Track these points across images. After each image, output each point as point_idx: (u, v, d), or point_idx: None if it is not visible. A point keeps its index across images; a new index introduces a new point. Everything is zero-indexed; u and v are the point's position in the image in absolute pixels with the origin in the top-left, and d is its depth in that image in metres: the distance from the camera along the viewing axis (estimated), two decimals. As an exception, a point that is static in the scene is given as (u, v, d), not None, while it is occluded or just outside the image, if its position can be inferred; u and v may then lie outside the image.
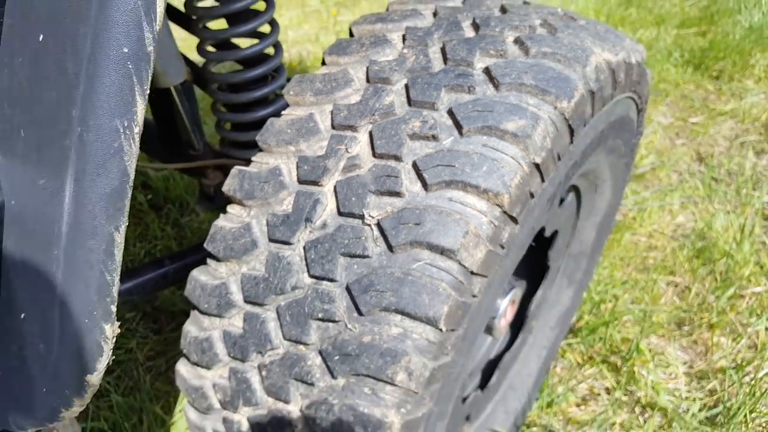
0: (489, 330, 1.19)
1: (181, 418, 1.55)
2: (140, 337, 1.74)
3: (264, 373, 0.79)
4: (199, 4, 1.13)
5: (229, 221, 0.84)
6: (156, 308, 1.83)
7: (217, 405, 0.86)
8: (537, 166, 0.76)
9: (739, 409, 1.50)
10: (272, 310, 0.79)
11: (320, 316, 0.74)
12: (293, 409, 0.78)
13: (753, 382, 1.58)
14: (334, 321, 0.74)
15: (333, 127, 0.82)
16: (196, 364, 0.88)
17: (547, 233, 1.19)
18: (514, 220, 0.75)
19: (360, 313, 0.73)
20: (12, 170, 0.46)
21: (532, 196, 0.78)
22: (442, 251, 0.71)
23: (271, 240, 0.79)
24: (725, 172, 2.52)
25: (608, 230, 1.46)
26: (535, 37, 0.86)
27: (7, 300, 0.50)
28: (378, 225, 0.74)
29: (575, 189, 1.23)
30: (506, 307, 1.18)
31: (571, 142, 0.83)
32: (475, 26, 0.90)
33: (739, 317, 1.81)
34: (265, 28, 1.17)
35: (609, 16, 4.07)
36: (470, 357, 0.87)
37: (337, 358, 0.73)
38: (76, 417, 0.72)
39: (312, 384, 0.76)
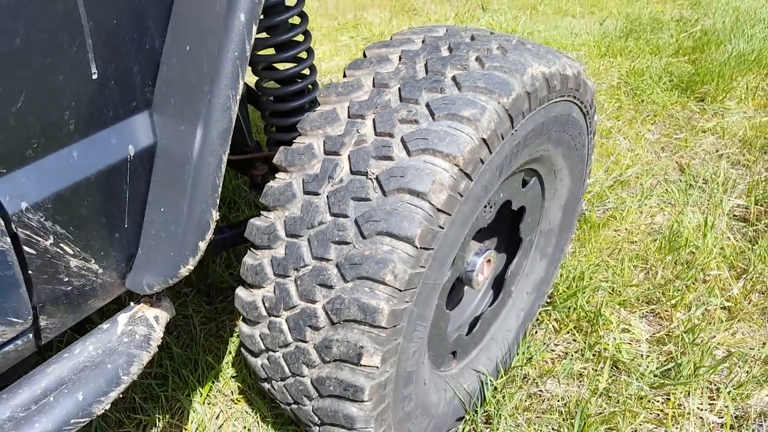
0: (469, 282, 1.53)
1: (228, 367, 1.91)
2: (195, 307, 2.12)
3: (299, 283, 1.16)
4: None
5: (276, 182, 1.22)
6: (208, 285, 2.21)
7: (264, 312, 1.23)
8: (484, 140, 1.12)
9: (687, 363, 1.81)
10: (305, 239, 1.16)
11: (337, 239, 1.11)
12: (318, 306, 1.14)
13: (702, 343, 1.89)
14: (346, 243, 1.11)
15: (348, 117, 1.20)
16: (250, 285, 1.25)
17: (514, 207, 1.54)
18: (467, 176, 1.11)
19: (363, 237, 1.09)
20: (164, 123, 0.82)
21: (482, 162, 1.14)
22: (418, 194, 1.07)
23: (305, 192, 1.17)
24: (701, 180, 2.83)
25: (573, 211, 1.80)
26: (490, 56, 1.24)
27: (152, 202, 0.87)
28: (376, 178, 1.11)
29: (537, 174, 1.58)
30: (481, 264, 1.52)
31: (512, 126, 1.19)
32: (450, 49, 1.28)
33: (699, 296, 2.12)
34: (303, 55, 1.55)
35: (609, 47, 4.44)
36: (442, 274, 1.21)
37: (347, 267, 1.10)
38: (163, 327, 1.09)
39: (331, 287, 1.12)
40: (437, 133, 1.11)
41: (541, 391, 1.80)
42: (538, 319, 1.99)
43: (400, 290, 1.08)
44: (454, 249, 1.23)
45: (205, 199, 0.84)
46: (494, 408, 1.68)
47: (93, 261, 0.85)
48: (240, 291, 1.28)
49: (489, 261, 1.56)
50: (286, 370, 1.25)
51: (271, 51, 1.48)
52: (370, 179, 1.12)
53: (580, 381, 1.84)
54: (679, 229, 2.42)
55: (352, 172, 1.14)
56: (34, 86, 0.69)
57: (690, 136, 3.24)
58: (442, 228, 1.11)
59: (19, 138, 0.69)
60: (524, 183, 1.56)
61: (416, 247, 1.07)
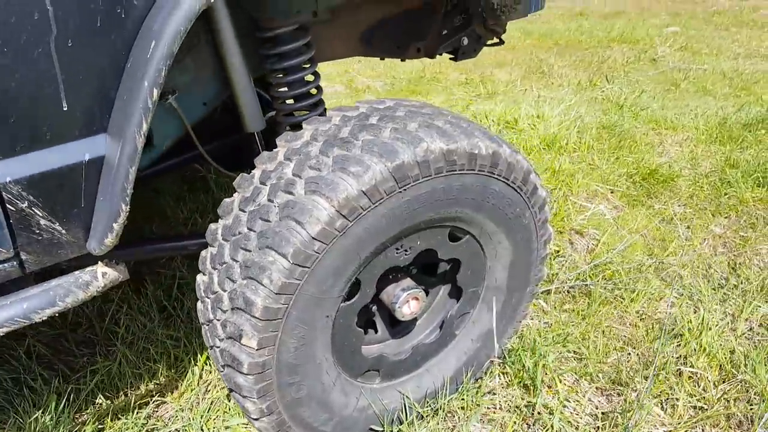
0: (394, 312, 1.81)
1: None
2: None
3: (219, 275, 1.56)
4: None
5: (227, 199, 1.65)
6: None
7: (202, 293, 1.65)
8: (363, 192, 1.44)
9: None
10: (228, 243, 1.56)
11: (243, 246, 1.50)
12: (225, 294, 1.53)
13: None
14: (248, 250, 1.49)
15: (283, 158, 1.59)
16: (201, 271, 1.68)
17: (443, 257, 1.79)
18: (344, 216, 1.44)
19: (258, 248, 1.47)
20: (110, 142, 1.31)
21: (362, 208, 1.45)
22: (298, 222, 1.42)
23: (239, 209, 1.58)
24: (745, 280, 2.71)
25: (524, 275, 1.98)
26: (402, 129, 1.55)
27: (99, 193, 1.34)
28: (278, 206, 1.48)
29: (470, 234, 1.82)
30: (405, 299, 1.79)
31: (398, 186, 1.49)
32: (379, 119, 1.61)
33: (669, 387, 2.11)
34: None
35: (722, 134, 4.26)
36: (325, 292, 1.52)
37: (245, 268, 1.48)
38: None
39: (234, 281, 1.50)
40: (327, 180, 1.45)
41: (456, 427, 1.98)
42: (489, 369, 2.15)
43: (275, 292, 1.43)
44: (342, 275, 1.54)
45: (118, 195, 1.29)
46: (408, 428, 1.90)
47: (57, 223, 1.34)
48: (199, 274, 1.71)
49: (416, 299, 1.82)
50: (209, 340, 1.65)
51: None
52: (275, 206, 1.49)
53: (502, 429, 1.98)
54: (682, 323, 2.40)
55: (267, 199, 1.53)
56: (25, 114, 1.19)
57: (760, 236, 3.07)
58: (318, 253, 1.44)
59: (11, 141, 1.20)
60: (456, 238, 1.81)
61: (289, 262, 1.42)
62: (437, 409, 1.98)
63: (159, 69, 1.22)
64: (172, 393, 2.22)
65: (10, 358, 2.34)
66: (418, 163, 1.50)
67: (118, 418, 2.10)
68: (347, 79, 6.25)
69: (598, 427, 1.97)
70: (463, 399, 2.04)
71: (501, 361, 2.15)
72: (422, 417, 1.96)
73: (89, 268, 1.49)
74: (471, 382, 2.10)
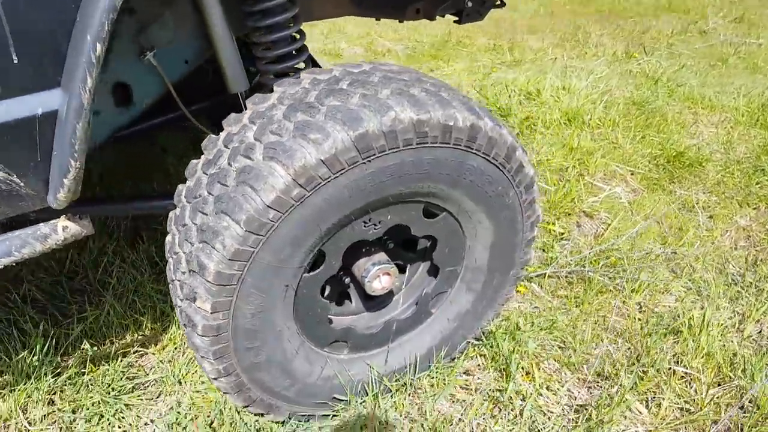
0: (365, 286, 1.76)
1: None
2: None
3: (180, 236, 1.54)
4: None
5: (194, 160, 1.61)
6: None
7: (167, 252, 1.63)
8: (322, 161, 1.38)
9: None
10: (189, 206, 1.53)
11: (201, 210, 1.47)
12: (183, 256, 1.51)
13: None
14: (205, 214, 1.46)
15: (248, 121, 1.54)
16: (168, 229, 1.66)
17: (417, 234, 1.73)
18: (300, 185, 1.38)
19: (214, 212, 1.43)
20: (62, 97, 1.27)
21: (321, 178, 1.39)
22: (254, 189, 1.38)
23: (201, 171, 1.54)
24: (764, 279, 2.55)
25: (504, 258, 1.89)
26: (371, 95, 1.47)
27: (53, 149, 1.32)
28: (235, 171, 1.43)
29: (448, 212, 1.74)
30: (376, 274, 1.74)
31: (363, 157, 1.42)
32: (349, 84, 1.54)
33: (656, 384, 2.02)
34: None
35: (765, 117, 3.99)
36: (282, 261, 1.48)
37: (201, 232, 1.44)
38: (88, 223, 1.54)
39: (192, 244, 1.48)
40: (286, 146, 1.39)
41: (423, 403, 1.94)
42: (465, 350, 2.10)
43: (227, 258, 1.40)
44: (302, 246, 1.49)
45: (67, 150, 1.26)
46: (372, 400, 1.88)
47: (14, 176, 1.33)
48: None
49: (388, 274, 1.77)
50: (173, 299, 1.64)
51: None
52: (233, 171, 1.45)
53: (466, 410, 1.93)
54: (681, 319, 2.28)
55: (227, 163, 1.48)
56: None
57: (785, 231, 2.88)
58: (273, 221, 1.40)
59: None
60: (433, 215, 1.73)
61: (243, 228, 1.38)
62: (404, 384, 1.94)
63: (102, 22, 1.17)
64: (154, 345, 2.25)
65: (6, 300, 2.41)
66: (384, 133, 1.42)
67: (102, 364, 2.15)
68: (368, 42, 6.10)
69: (571, 420, 1.91)
70: (433, 377, 1.99)
71: (479, 343, 2.09)
72: (390, 391, 1.93)
73: (51, 222, 1.48)
74: (446, 361, 2.05)
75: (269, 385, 1.71)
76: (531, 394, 1.95)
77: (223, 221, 1.40)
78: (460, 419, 1.89)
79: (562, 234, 2.82)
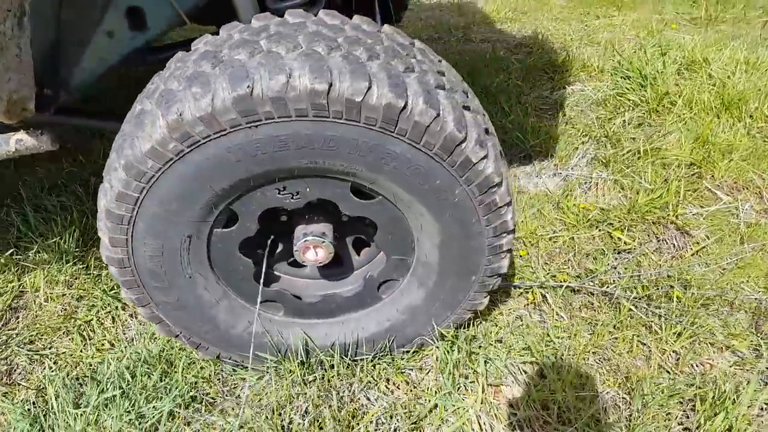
0: (295, 254, 1.67)
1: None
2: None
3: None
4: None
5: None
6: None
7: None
8: (199, 118, 1.28)
9: None
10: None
11: (116, 143, 1.48)
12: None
13: None
14: (113, 150, 1.47)
15: (174, 62, 1.48)
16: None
17: (345, 211, 1.56)
18: (175, 140, 1.31)
19: (114, 151, 1.43)
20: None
21: (199, 135, 1.30)
22: (137, 137, 1.34)
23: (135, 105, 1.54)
24: None
25: (460, 262, 1.62)
26: (275, 53, 1.31)
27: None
28: (137, 112, 1.40)
29: (383, 196, 1.52)
30: (303, 245, 1.62)
31: (246, 122, 1.28)
32: (270, 34, 1.39)
33: None
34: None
35: None
36: (176, 213, 1.44)
37: (108, 166, 1.47)
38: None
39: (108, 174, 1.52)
40: (170, 97, 1.32)
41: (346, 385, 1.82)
42: (419, 347, 1.89)
43: (114, 198, 1.41)
44: (194, 201, 1.43)
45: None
46: (299, 370, 1.82)
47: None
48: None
49: (317, 247, 1.64)
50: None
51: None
52: (137, 112, 1.42)
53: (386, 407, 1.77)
54: (720, 388, 1.77)
55: (139, 103, 1.46)
56: None
57: None
58: (152, 171, 1.36)
59: None
60: (369, 197, 1.54)
61: (123, 173, 1.37)
62: (334, 365, 1.84)
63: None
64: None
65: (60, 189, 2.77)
66: (270, 98, 1.27)
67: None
68: None
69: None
70: (376, 364, 1.85)
71: (433, 344, 1.87)
72: (321, 363, 1.85)
73: (5, 134, 1.63)
74: (396, 353, 1.89)
75: (187, 325, 1.74)
76: (458, 411, 1.72)
77: (115, 162, 1.41)
78: (363, 414, 1.75)
79: (628, 246, 2.34)
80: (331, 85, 1.27)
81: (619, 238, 2.35)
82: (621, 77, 3.33)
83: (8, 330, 2.17)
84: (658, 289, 2.12)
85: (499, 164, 1.47)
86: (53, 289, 2.29)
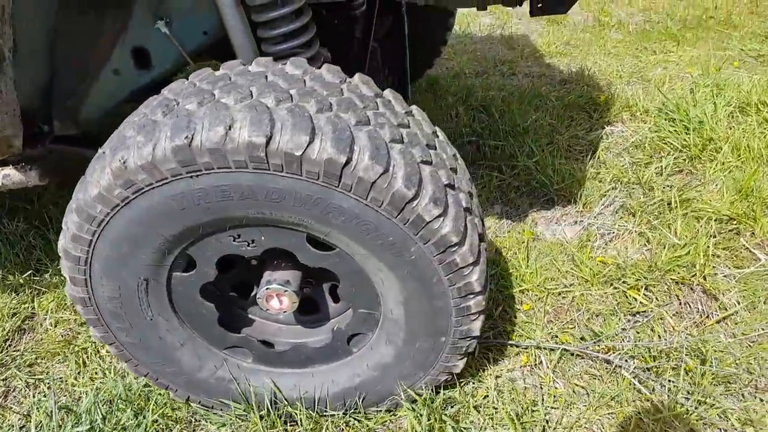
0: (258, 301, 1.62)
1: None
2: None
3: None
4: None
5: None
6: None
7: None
8: (140, 166, 1.27)
9: None
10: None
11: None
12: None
13: None
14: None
15: (144, 106, 1.49)
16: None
17: (303, 261, 1.50)
18: (120, 186, 1.30)
19: (75, 193, 1.45)
20: None
21: (142, 183, 1.29)
22: (89, 182, 1.35)
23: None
24: None
25: (427, 322, 1.52)
26: (221, 103, 1.28)
27: None
28: (97, 157, 1.42)
29: (340, 248, 1.45)
30: (265, 292, 1.57)
31: (186, 171, 1.26)
32: (225, 83, 1.36)
33: None
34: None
35: None
36: (125, 255, 1.43)
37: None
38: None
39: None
40: (120, 144, 1.32)
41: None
42: (393, 407, 1.78)
43: (70, 239, 1.42)
44: (145, 246, 1.42)
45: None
46: (260, 424, 1.75)
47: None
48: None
49: (281, 295, 1.59)
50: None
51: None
52: (96, 156, 1.44)
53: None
54: None
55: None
56: None
57: None
58: (102, 215, 1.36)
59: None
60: (327, 247, 1.48)
61: (75, 215, 1.38)
62: (300, 420, 1.76)
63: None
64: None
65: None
66: (208, 150, 1.24)
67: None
68: (599, 8, 5.18)
69: None
70: (340, 420, 1.76)
71: (407, 405, 1.75)
72: (291, 416, 1.78)
73: (-2, 169, 1.70)
74: (369, 412, 1.79)
75: (153, 366, 1.74)
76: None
77: (72, 204, 1.42)
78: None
79: (645, 307, 2.13)
80: (270, 138, 1.22)
81: (634, 298, 2.15)
82: (665, 119, 3.10)
83: (13, 351, 2.25)
84: (669, 359, 1.91)
85: (459, 223, 1.37)
86: (61, 314, 2.36)
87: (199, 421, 1.88)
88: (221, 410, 1.83)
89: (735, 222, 2.43)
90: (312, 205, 1.31)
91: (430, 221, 1.32)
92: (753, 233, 2.40)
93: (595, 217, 2.55)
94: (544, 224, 2.58)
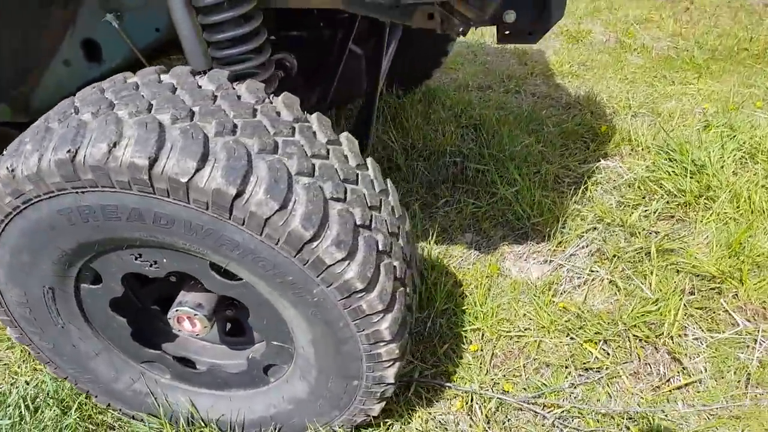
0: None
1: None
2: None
3: None
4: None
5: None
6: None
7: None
8: (27, 177, 1.20)
9: None
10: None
11: None
12: None
13: None
14: None
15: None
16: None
17: (209, 288, 1.42)
18: (9, 195, 1.23)
19: None
20: None
21: (30, 194, 1.22)
22: None
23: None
24: None
25: (337, 364, 1.43)
26: (115, 117, 1.21)
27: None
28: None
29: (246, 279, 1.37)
30: (176, 313, 1.50)
31: (72, 187, 1.19)
32: (126, 94, 1.29)
33: None
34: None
35: None
36: (29, 266, 1.38)
37: None
38: None
39: None
40: (13, 151, 1.26)
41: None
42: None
43: None
44: (43, 256, 1.36)
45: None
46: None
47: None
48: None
49: (191, 318, 1.51)
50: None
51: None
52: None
53: None
54: None
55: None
56: None
57: None
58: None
59: None
60: (233, 277, 1.39)
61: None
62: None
63: None
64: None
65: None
66: (90, 167, 1.16)
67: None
68: (624, 29, 4.94)
69: None
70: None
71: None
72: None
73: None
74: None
75: (70, 372, 1.69)
76: None
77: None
78: None
79: (600, 363, 1.99)
80: (155, 160, 1.14)
81: (590, 352, 2.01)
82: (664, 158, 2.91)
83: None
84: (614, 424, 1.78)
85: (367, 268, 1.26)
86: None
87: (123, 427, 1.83)
88: (142, 421, 1.78)
89: (718, 280, 2.26)
90: (204, 235, 1.23)
91: (331, 264, 1.22)
92: (736, 295, 2.22)
93: (567, 258, 2.40)
94: (512, 260, 2.45)
